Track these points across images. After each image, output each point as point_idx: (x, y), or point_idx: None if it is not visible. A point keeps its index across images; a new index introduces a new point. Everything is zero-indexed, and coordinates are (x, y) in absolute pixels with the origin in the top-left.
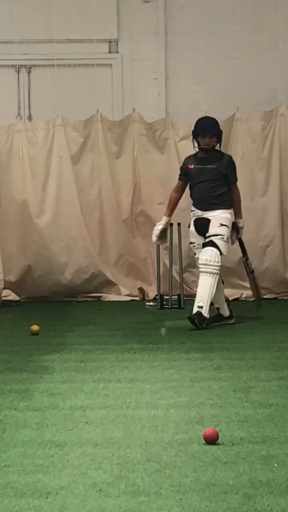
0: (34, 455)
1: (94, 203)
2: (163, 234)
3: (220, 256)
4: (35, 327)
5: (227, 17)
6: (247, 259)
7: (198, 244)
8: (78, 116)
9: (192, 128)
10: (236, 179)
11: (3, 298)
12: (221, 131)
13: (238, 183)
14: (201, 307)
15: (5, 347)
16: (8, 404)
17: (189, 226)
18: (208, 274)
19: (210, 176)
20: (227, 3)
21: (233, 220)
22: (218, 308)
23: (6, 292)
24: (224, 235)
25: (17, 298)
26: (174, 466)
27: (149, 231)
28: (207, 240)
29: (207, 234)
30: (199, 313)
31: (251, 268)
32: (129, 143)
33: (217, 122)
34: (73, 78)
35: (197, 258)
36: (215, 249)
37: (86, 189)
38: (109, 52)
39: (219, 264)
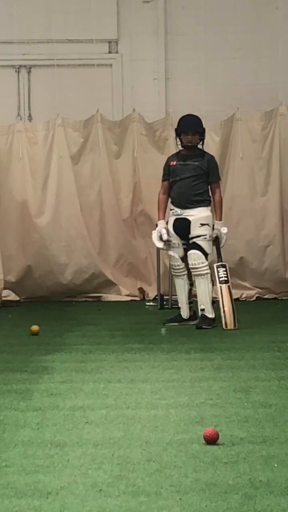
0: (34, 455)
1: (94, 203)
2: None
3: (204, 257)
4: (35, 327)
5: (227, 17)
6: (222, 265)
7: (173, 243)
8: (78, 116)
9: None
10: (218, 179)
11: (3, 298)
12: (204, 129)
13: (238, 183)
14: (203, 309)
15: (5, 347)
16: (8, 404)
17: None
18: (199, 277)
19: (191, 173)
20: (227, 3)
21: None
22: (203, 309)
23: (6, 292)
24: (206, 235)
25: (17, 298)
26: (174, 466)
27: (149, 231)
28: (191, 242)
29: (190, 236)
30: (203, 317)
31: (226, 277)
32: (129, 143)
33: (200, 120)
34: (73, 78)
35: (170, 256)
36: (198, 252)
37: (86, 189)
38: (109, 52)
39: (205, 264)
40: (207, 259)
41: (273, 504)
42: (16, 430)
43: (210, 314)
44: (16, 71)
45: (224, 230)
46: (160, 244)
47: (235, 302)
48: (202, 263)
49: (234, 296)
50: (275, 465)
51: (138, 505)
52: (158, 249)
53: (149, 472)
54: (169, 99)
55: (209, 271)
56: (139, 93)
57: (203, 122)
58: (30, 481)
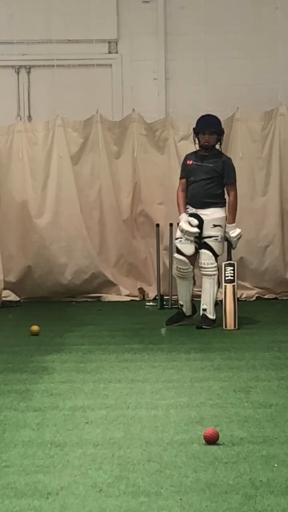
0: (34, 455)
1: (94, 203)
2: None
3: (214, 258)
4: (35, 328)
5: (227, 17)
6: (231, 264)
7: (186, 239)
8: (78, 117)
9: (194, 126)
10: (233, 180)
11: (3, 299)
12: (222, 130)
13: (238, 183)
14: (205, 309)
15: (5, 347)
16: (8, 404)
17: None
18: (207, 277)
19: (206, 174)
20: (227, 3)
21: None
22: (204, 309)
23: (6, 292)
24: (217, 236)
25: (17, 298)
26: (174, 466)
27: (149, 231)
28: (202, 242)
29: (202, 235)
30: (204, 317)
31: (232, 276)
32: (129, 143)
33: (219, 121)
34: (73, 78)
35: (179, 259)
36: (209, 252)
37: (86, 189)
38: (109, 52)
39: (214, 265)
40: (217, 260)
41: (273, 504)
42: (16, 430)
43: (211, 315)
44: (16, 71)
45: (233, 233)
46: (193, 229)
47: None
48: (211, 264)
49: None
50: (275, 465)
51: (138, 506)
52: (158, 249)
53: (149, 472)
54: (169, 99)
55: (216, 272)
56: (139, 93)
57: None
58: (30, 481)
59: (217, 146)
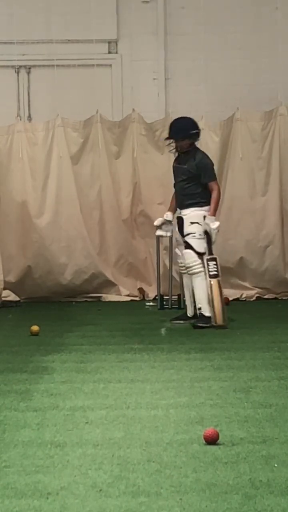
0: (34, 455)
1: (94, 203)
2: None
3: (196, 255)
4: (35, 328)
5: (227, 17)
6: (213, 259)
7: (177, 240)
8: (78, 117)
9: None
10: (211, 178)
11: (3, 299)
12: (193, 133)
13: (238, 183)
14: (200, 308)
15: (5, 347)
16: (8, 404)
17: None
18: (194, 276)
19: (182, 176)
20: (227, 3)
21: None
22: (199, 308)
23: (6, 292)
24: (195, 233)
25: (17, 298)
26: (174, 466)
27: (149, 231)
28: (183, 240)
29: (184, 234)
30: (200, 315)
31: (216, 271)
32: (128, 143)
33: (190, 123)
34: (73, 78)
35: (175, 254)
36: (190, 251)
37: (86, 190)
38: (109, 52)
39: (198, 262)
40: (202, 257)
41: (273, 504)
42: (16, 430)
43: (207, 313)
44: (15, 71)
45: (213, 225)
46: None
47: (235, 302)
48: (194, 261)
49: (234, 296)
50: (275, 465)
51: (138, 506)
52: (158, 249)
53: (149, 472)
54: (169, 99)
55: (202, 269)
56: (139, 93)
57: (202, 123)
58: (30, 481)
59: (196, 144)
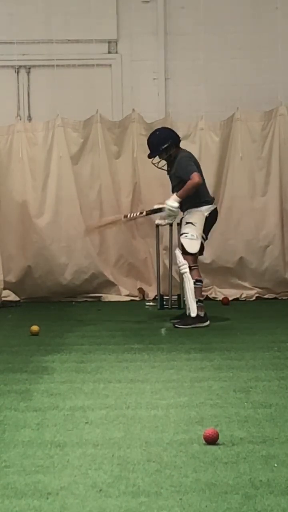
0: (34, 455)
1: (94, 204)
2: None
3: (181, 255)
4: (35, 328)
5: (227, 17)
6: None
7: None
8: (78, 117)
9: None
10: (188, 173)
11: (3, 299)
12: (164, 146)
13: (238, 183)
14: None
15: (5, 347)
16: (8, 404)
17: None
18: (183, 275)
19: (173, 182)
20: (227, 3)
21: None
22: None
23: (6, 292)
24: (187, 233)
25: (17, 298)
26: (174, 466)
27: (149, 231)
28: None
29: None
30: (184, 314)
31: (134, 214)
32: (128, 143)
33: (157, 139)
34: (73, 78)
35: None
36: (177, 252)
37: (86, 190)
38: (109, 52)
39: (183, 263)
40: (194, 257)
41: (273, 504)
42: (16, 430)
43: (193, 313)
44: (15, 71)
45: (169, 201)
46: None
47: (235, 302)
48: (179, 262)
49: (234, 296)
50: (275, 465)
51: (138, 506)
52: (158, 249)
53: (149, 472)
54: (169, 99)
55: (187, 270)
56: (138, 93)
57: (202, 123)
58: (30, 481)
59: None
